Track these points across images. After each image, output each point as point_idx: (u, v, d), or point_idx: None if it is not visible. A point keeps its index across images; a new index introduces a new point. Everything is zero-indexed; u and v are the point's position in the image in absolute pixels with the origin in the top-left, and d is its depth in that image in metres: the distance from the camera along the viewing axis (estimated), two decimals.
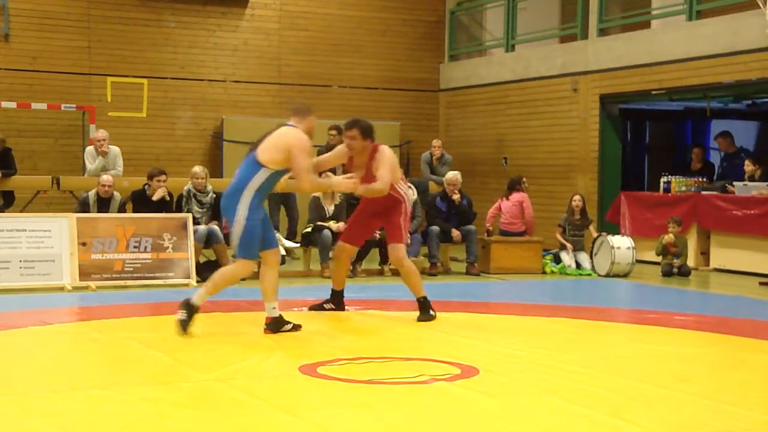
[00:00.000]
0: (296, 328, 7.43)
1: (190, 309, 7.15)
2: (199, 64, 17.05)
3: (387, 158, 8.06)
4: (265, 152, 7.13)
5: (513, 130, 17.03)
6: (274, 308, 7.39)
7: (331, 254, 10.50)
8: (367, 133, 8.04)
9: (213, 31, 17.12)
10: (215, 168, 16.01)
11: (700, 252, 13.29)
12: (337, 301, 8.65)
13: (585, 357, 6.72)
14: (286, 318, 7.48)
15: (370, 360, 6.41)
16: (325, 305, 8.65)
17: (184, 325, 7.13)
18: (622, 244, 12.38)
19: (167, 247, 10.78)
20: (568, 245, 12.97)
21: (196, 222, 11.11)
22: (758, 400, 5.48)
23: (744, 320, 8.69)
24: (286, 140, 7.16)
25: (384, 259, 12.23)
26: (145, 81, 16.44)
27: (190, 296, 7.24)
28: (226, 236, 11.26)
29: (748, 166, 13.30)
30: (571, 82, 15.81)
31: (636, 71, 14.72)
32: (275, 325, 7.36)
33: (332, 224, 11.67)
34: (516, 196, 13.16)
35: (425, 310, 8.20)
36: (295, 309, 8.49)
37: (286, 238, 13.02)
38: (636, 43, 14.81)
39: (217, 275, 7.36)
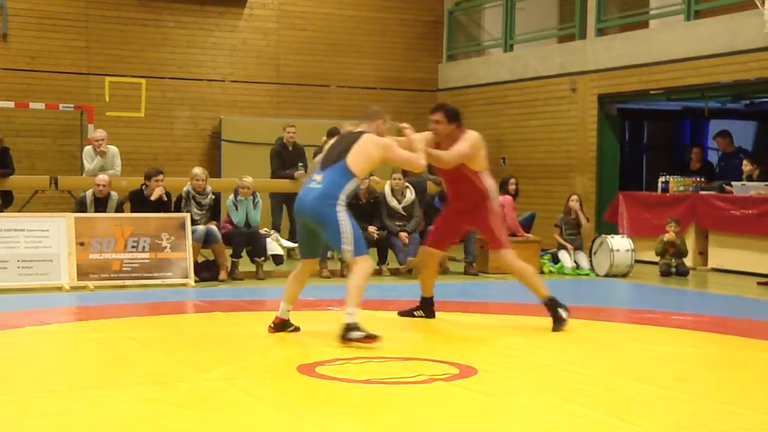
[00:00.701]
0: (295, 329, 7.45)
1: (354, 327, 6.85)
2: (198, 64, 17.04)
3: (471, 137, 7.74)
4: (357, 162, 7.20)
5: (511, 130, 17.03)
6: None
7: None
8: (453, 116, 7.77)
9: (211, 31, 17.12)
10: (214, 168, 16.00)
11: (698, 252, 13.29)
12: (427, 308, 8.29)
13: (583, 357, 6.72)
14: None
15: (368, 360, 6.40)
16: (415, 312, 8.30)
17: (372, 337, 6.84)
18: (621, 246, 12.33)
19: (165, 247, 10.78)
20: (569, 246, 12.95)
21: (194, 223, 11.10)
22: (757, 400, 5.48)
23: (742, 320, 8.69)
24: (373, 148, 7.25)
25: (382, 259, 12.23)
26: (143, 81, 16.44)
27: (347, 321, 6.88)
28: (224, 236, 11.29)
29: (747, 166, 13.31)
30: (569, 82, 15.82)
31: (634, 71, 14.72)
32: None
33: None
34: (500, 199, 12.94)
35: (556, 313, 7.77)
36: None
37: (287, 239, 13.02)
38: (634, 43, 14.81)
39: (352, 286, 7.02)
